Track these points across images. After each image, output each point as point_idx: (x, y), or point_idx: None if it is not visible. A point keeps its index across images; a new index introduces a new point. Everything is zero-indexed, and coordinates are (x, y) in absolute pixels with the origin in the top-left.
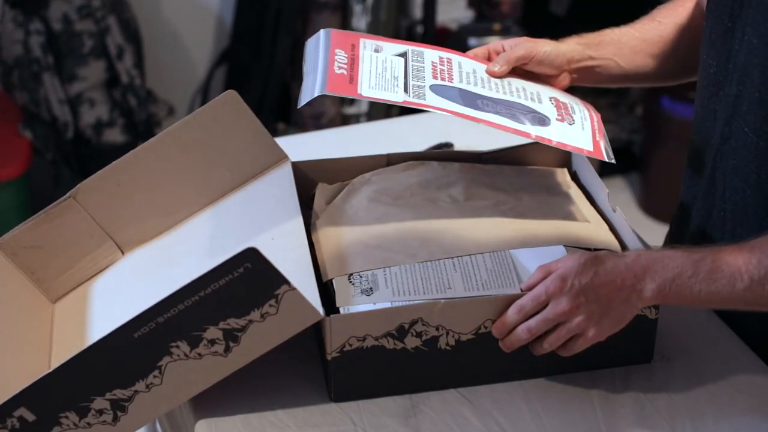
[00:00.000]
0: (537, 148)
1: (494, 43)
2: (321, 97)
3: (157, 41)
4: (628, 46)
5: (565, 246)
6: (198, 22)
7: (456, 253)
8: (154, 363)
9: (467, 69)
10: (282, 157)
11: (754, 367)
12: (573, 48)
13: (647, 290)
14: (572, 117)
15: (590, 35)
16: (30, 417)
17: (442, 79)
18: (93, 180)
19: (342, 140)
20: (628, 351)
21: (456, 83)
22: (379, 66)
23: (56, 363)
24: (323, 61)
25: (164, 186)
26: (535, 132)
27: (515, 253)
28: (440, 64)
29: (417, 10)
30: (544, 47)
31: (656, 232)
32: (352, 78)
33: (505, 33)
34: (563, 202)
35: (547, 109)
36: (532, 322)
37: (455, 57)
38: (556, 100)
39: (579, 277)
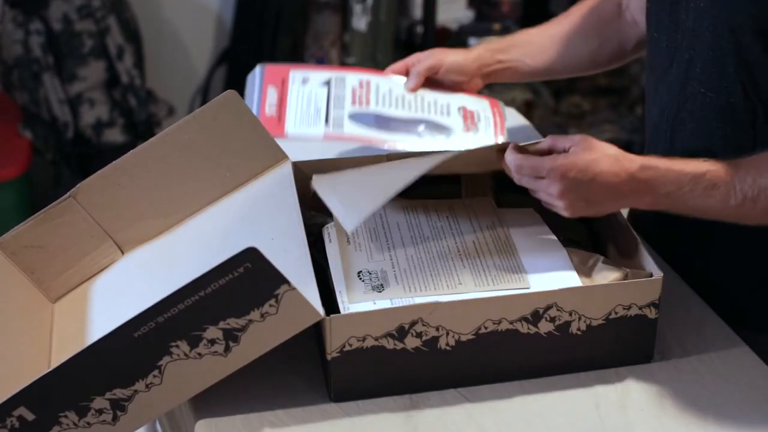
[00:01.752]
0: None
1: (411, 56)
2: None
3: (157, 41)
4: (537, 45)
5: (567, 248)
6: (198, 22)
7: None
8: (154, 363)
9: (384, 89)
10: (282, 157)
11: (754, 367)
12: (481, 54)
13: (643, 201)
14: (477, 125)
15: (502, 40)
16: (29, 416)
17: (360, 104)
18: (93, 180)
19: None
20: (628, 351)
21: (372, 107)
22: (304, 100)
23: (56, 362)
24: (257, 102)
25: (164, 186)
26: (438, 146)
27: (521, 250)
28: (359, 88)
29: (417, 10)
30: (451, 57)
31: None
32: (280, 117)
33: (505, 33)
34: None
35: (454, 121)
36: (523, 178)
37: (374, 78)
38: (465, 109)
39: (582, 173)
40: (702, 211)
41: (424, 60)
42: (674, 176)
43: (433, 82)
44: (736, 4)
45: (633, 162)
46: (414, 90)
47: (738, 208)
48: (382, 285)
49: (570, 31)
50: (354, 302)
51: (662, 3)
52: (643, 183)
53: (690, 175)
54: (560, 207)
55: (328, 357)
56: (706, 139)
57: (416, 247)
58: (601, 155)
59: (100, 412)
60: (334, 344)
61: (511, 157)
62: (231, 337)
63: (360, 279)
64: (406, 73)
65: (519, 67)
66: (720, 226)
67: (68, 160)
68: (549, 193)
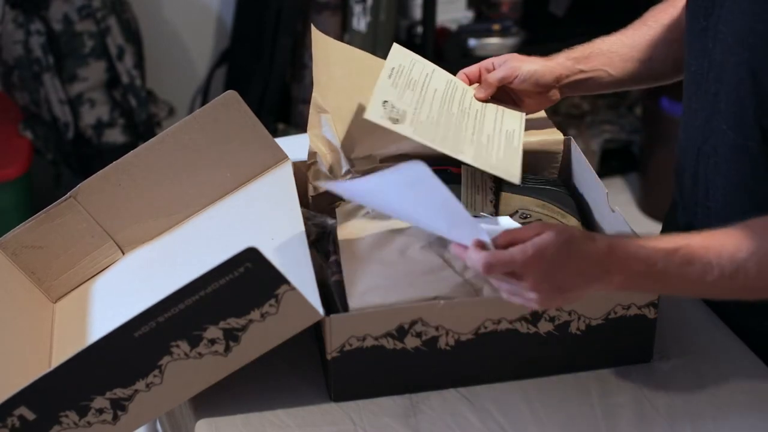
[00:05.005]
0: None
1: (486, 61)
2: None
3: (157, 41)
4: (618, 54)
5: None
6: (198, 22)
7: None
8: (155, 362)
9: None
10: (282, 157)
11: (754, 367)
12: (562, 64)
13: (614, 281)
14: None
15: (579, 48)
16: (30, 416)
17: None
18: (93, 180)
19: None
20: (627, 350)
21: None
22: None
23: (56, 362)
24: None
25: (164, 186)
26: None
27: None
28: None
29: (417, 11)
30: (527, 66)
31: (655, 232)
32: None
33: (505, 33)
34: None
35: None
36: (493, 280)
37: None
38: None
39: (551, 262)
40: (678, 289)
41: (498, 69)
42: (645, 254)
43: (506, 91)
44: (759, 47)
45: (597, 241)
46: (483, 100)
47: (715, 284)
48: (398, 119)
49: (653, 42)
50: (368, 116)
51: (694, 25)
52: (614, 263)
53: (662, 252)
54: (531, 297)
55: (328, 357)
56: (724, 177)
57: (440, 111)
58: (566, 235)
59: (100, 411)
60: (334, 344)
61: (477, 256)
62: (231, 336)
63: (383, 106)
64: (479, 79)
65: (601, 77)
66: None
67: (68, 160)
68: (520, 286)
